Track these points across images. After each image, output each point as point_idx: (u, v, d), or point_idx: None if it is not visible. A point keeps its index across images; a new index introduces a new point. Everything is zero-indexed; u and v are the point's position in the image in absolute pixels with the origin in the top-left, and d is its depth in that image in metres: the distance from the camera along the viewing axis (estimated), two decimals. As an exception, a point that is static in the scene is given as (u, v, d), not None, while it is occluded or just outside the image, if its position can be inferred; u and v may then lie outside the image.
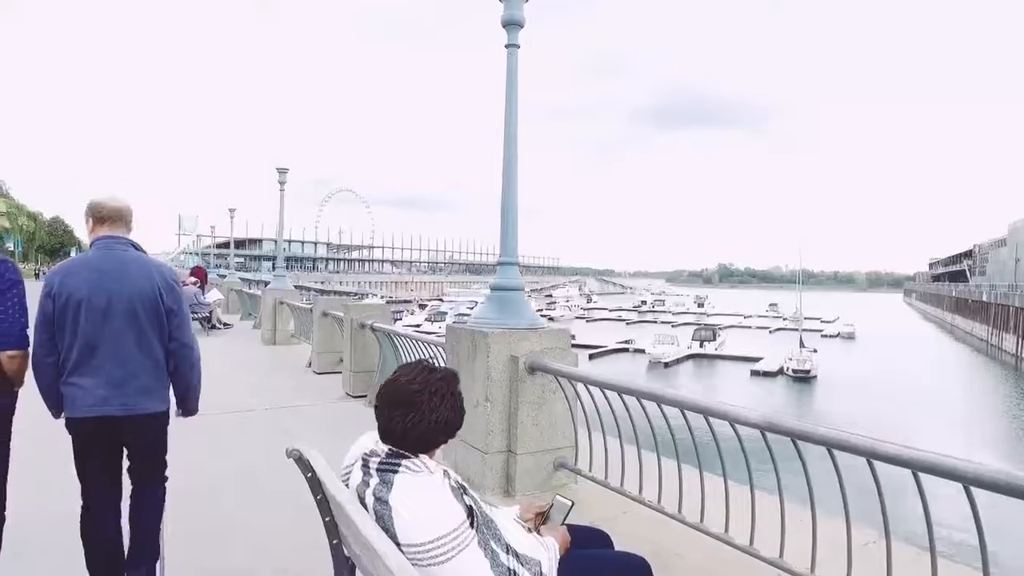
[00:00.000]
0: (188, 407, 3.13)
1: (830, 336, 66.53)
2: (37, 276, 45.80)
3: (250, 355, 11.60)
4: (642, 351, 47.96)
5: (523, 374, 4.23)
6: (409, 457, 1.82)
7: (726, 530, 3.13)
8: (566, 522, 2.16)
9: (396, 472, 1.78)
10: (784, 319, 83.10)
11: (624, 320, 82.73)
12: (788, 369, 41.98)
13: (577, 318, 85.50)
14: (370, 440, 1.92)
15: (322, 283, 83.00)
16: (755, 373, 42.98)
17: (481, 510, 1.87)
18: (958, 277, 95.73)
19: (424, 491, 1.76)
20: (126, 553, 2.95)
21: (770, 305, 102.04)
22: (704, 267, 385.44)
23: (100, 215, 2.89)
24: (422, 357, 6.48)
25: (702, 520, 3.29)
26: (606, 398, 4.02)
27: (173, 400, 3.07)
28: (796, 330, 51.47)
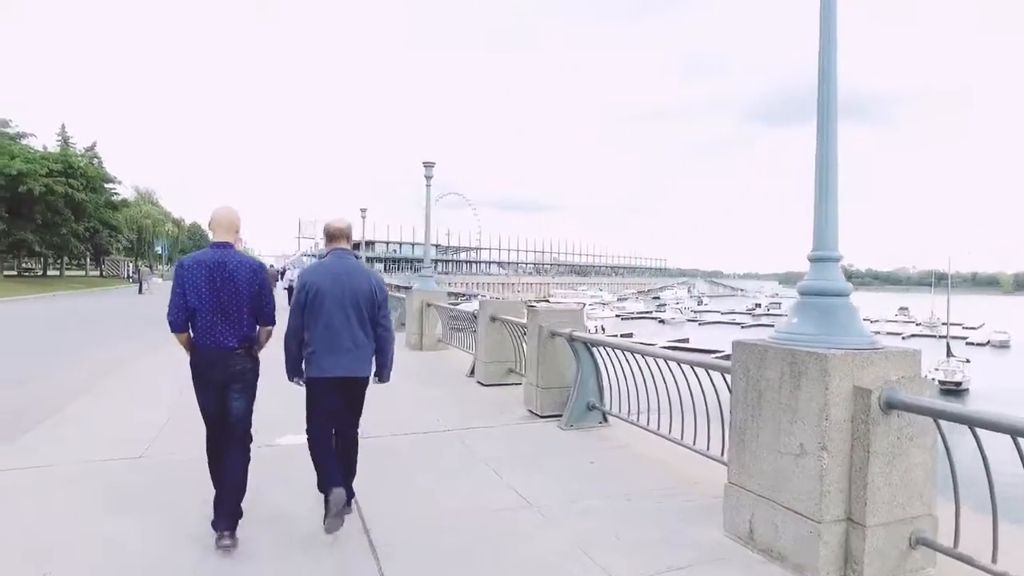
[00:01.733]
0: (384, 376, 4.04)
1: (978, 344, 60.26)
2: None
3: (400, 361, 10.79)
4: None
5: (875, 414, 3.04)
6: None
7: None
8: None
9: None
10: (918, 324, 76.56)
11: (739, 324, 78.48)
12: (934, 380, 37.98)
13: (688, 321, 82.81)
14: None
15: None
16: (896, 383, 39.16)
17: None
18: None
19: None
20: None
21: (900, 309, 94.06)
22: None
23: (329, 233, 4.01)
24: (643, 375, 5.37)
25: None
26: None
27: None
28: (933, 336, 46.55)
